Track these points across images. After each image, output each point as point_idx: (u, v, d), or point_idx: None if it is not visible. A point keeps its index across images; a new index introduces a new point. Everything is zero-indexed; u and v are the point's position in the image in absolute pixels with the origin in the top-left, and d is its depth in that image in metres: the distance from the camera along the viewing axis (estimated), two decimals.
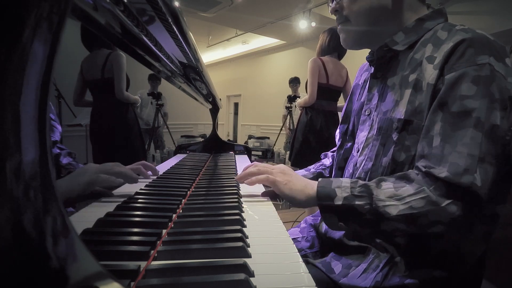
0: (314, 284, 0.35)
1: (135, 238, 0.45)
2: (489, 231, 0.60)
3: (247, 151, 1.66)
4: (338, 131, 0.87)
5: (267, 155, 6.49)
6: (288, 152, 3.22)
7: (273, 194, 0.74)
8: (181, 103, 5.51)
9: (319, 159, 1.01)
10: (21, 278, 0.18)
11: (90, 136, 2.37)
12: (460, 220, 0.52)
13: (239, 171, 0.95)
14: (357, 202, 0.57)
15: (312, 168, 0.97)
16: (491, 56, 0.55)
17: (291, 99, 4.89)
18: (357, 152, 0.73)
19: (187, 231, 0.49)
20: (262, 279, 0.36)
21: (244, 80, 8.95)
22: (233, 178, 0.89)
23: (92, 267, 0.23)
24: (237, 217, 0.54)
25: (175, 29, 0.58)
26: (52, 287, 0.19)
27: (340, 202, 0.58)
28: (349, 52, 1.78)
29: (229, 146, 1.69)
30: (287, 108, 5.16)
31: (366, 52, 0.76)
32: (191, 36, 0.69)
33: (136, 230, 0.48)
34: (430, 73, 0.59)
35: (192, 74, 1.03)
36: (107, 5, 0.44)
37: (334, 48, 2.26)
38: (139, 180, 0.80)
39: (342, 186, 0.60)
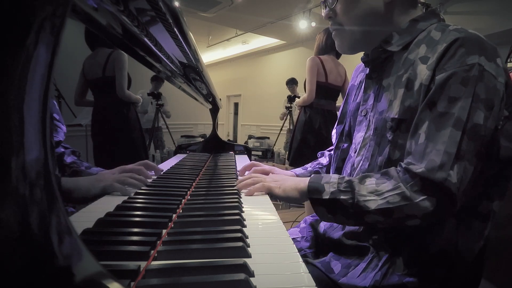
0: (314, 284, 0.35)
1: (135, 238, 0.45)
2: (486, 227, 0.62)
3: (247, 151, 1.66)
4: (334, 131, 0.88)
5: (267, 155, 6.48)
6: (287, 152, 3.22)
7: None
8: (181, 103, 5.50)
9: (317, 158, 1.02)
10: (28, 276, 0.18)
11: (92, 135, 2.37)
12: (434, 215, 0.55)
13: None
14: (342, 197, 0.61)
15: (309, 166, 0.98)
16: (482, 56, 0.55)
17: (291, 99, 4.90)
18: (355, 152, 0.74)
19: (187, 231, 0.49)
20: (262, 279, 0.36)
21: (244, 80, 8.94)
22: (233, 178, 0.90)
23: (92, 267, 0.23)
24: (237, 217, 0.54)
25: (175, 29, 0.58)
26: (59, 285, 0.19)
27: (327, 196, 0.62)
28: None
29: (229, 146, 1.69)
30: (287, 108, 5.16)
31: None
32: (191, 36, 0.69)
33: (136, 230, 0.48)
34: (423, 73, 0.60)
35: (192, 74, 1.03)
36: (107, 6, 0.44)
37: (331, 47, 2.23)
38: None
39: (331, 182, 0.64)
